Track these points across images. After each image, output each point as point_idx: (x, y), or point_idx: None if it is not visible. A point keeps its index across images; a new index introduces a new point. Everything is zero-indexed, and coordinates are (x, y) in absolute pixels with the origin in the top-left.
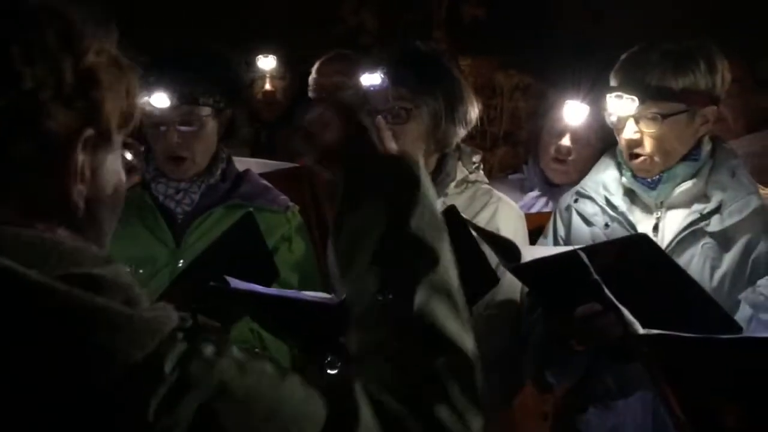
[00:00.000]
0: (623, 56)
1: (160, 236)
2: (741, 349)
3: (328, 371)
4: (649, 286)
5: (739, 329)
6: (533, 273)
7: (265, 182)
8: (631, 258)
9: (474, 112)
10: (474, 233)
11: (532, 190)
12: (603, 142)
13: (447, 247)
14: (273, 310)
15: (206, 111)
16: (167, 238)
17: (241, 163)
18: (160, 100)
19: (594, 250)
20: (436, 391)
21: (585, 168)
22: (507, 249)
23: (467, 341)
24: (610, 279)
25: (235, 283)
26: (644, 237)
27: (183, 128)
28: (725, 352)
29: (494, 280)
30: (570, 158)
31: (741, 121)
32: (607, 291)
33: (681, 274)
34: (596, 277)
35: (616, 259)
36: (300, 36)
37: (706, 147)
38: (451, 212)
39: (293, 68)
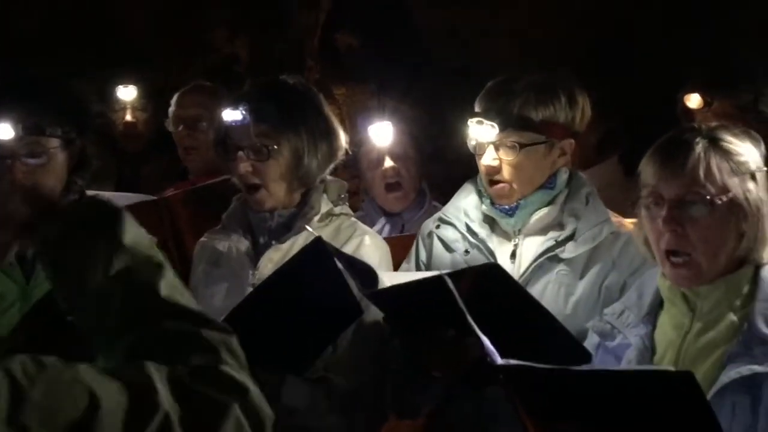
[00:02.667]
0: (488, 84)
1: (9, 272)
2: (594, 380)
3: None
4: (503, 314)
5: (589, 356)
6: (392, 299)
7: None
8: (485, 286)
9: (340, 144)
10: (339, 265)
11: (373, 225)
12: (421, 150)
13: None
14: None
15: (54, 142)
16: (16, 274)
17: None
18: (3, 131)
19: (452, 276)
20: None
21: (417, 183)
22: (366, 275)
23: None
24: (467, 306)
25: None
26: (495, 266)
27: (29, 161)
28: (579, 383)
29: (357, 311)
30: (400, 178)
31: (577, 154)
32: (469, 318)
33: (532, 302)
34: (461, 303)
35: (470, 287)
36: (172, 64)
37: (563, 176)
38: (317, 243)
39: (157, 99)
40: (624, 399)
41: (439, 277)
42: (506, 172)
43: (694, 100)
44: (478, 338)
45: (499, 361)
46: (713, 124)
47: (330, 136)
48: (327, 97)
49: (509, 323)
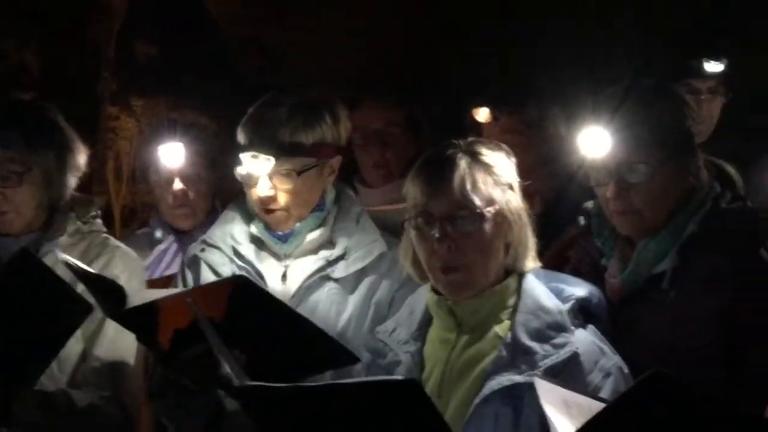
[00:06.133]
0: (250, 112)
1: None
2: (326, 394)
3: None
4: (262, 325)
5: (355, 358)
6: (138, 317)
7: None
8: (239, 299)
9: (83, 158)
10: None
11: (161, 242)
12: (214, 168)
13: None
14: None
15: None
16: None
17: None
18: None
19: (201, 292)
20: None
21: (208, 203)
22: (111, 293)
23: None
24: (222, 320)
25: None
26: (242, 278)
27: None
28: (313, 398)
29: (87, 308)
30: (188, 200)
31: (401, 166)
32: (210, 336)
33: (284, 309)
34: (201, 320)
35: (226, 302)
36: None
37: (330, 195)
38: (22, 254)
39: None
40: (358, 410)
41: (181, 295)
42: (283, 200)
43: (482, 115)
44: (218, 361)
45: (237, 382)
46: (469, 139)
47: (74, 151)
48: (125, 109)
49: (269, 333)
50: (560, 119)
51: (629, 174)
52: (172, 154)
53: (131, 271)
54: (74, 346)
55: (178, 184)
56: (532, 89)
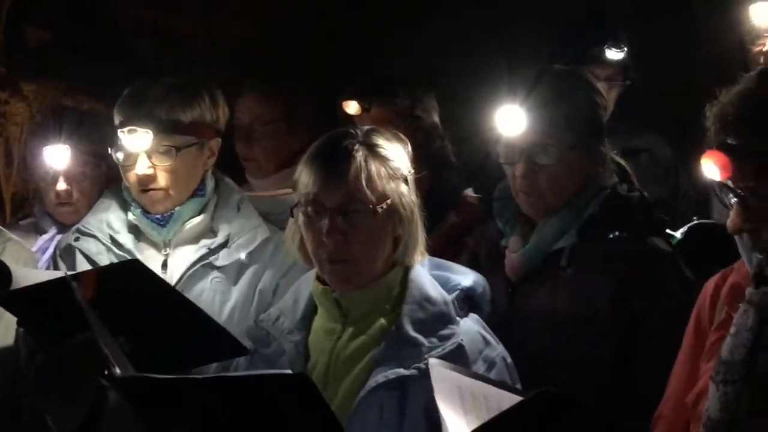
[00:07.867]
0: (126, 92)
1: None
2: (212, 387)
3: None
4: (151, 312)
5: (245, 349)
6: (22, 301)
7: None
8: (129, 285)
9: None
10: None
11: (45, 232)
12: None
13: None
14: None
15: None
16: None
17: None
18: None
19: (88, 276)
20: None
21: (95, 199)
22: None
23: None
24: (108, 307)
25: None
26: (135, 263)
27: None
28: (198, 390)
29: None
30: (72, 199)
31: (273, 161)
32: (93, 323)
33: (177, 296)
34: (83, 307)
35: (110, 287)
36: None
37: (210, 183)
38: None
39: None
40: (245, 404)
41: (63, 279)
42: (162, 179)
43: (352, 107)
44: (100, 349)
45: (118, 372)
46: (366, 127)
47: None
48: (15, 94)
49: (156, 321)
50: (432, 107)
51: (539, 155)
52: (56, 157)
53: (23, 264)
54: None
55: (62, 185)
56: (400, 79)
